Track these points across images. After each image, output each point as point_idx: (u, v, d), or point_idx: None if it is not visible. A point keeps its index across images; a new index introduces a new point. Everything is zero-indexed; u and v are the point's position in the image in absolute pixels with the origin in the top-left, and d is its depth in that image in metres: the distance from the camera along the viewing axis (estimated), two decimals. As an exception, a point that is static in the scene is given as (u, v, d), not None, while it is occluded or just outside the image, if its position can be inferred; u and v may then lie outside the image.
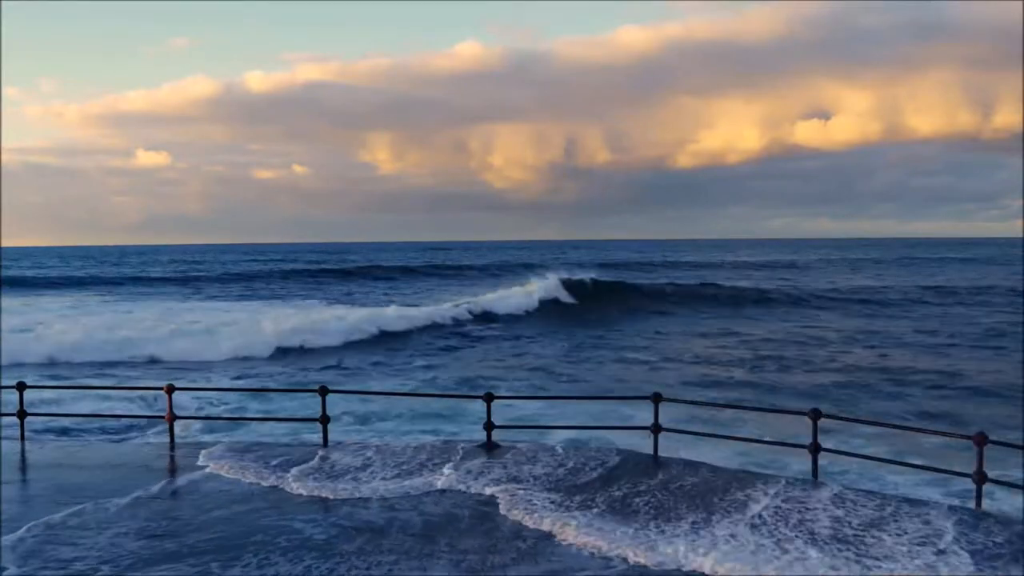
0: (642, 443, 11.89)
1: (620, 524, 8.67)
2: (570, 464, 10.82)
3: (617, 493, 9.67)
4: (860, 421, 13.95)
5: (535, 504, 9.30)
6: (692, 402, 14.76)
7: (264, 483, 10.42)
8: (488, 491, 9.89)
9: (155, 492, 9.99)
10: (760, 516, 8.74)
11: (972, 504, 9.19)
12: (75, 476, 10.89)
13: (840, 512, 8.75)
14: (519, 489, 9.86)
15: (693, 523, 8.64)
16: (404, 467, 10.90)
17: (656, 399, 11.39)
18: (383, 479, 10.45)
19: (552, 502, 9.39)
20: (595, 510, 9.13)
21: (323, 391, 12.21)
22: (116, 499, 9.62)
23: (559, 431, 14.87)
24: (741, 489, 9.56)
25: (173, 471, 11.14)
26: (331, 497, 9.86)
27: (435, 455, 11.37)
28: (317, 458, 11.46)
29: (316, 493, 10.01)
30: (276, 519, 9.00)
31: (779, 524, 8.50)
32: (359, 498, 9.81)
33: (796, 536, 8.17)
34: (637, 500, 9.43)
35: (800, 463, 11.99)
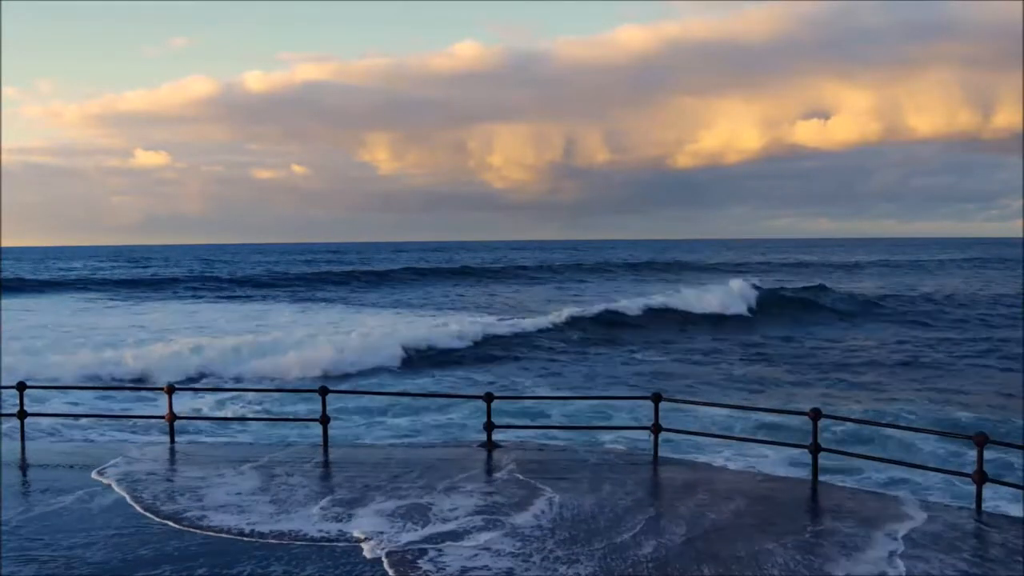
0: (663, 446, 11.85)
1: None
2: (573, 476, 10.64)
3: (625, 537, 7.89)
4: (862, 422, 13.96)
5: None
6: (692, 402, 14.74)
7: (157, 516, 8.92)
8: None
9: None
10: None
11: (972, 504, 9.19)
12: (65, 475, 10.84)
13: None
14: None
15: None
16: (362, 491, 9.67)
17: (656, 399, 11.39)
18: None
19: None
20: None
21: (323, 391, 12.17)
22: (99, 499, 9.57)
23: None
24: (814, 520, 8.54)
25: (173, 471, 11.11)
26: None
27: (427, 471, 10.52)
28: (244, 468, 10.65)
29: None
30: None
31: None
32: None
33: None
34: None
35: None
